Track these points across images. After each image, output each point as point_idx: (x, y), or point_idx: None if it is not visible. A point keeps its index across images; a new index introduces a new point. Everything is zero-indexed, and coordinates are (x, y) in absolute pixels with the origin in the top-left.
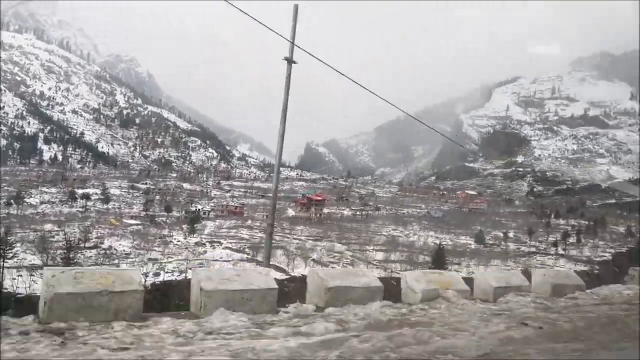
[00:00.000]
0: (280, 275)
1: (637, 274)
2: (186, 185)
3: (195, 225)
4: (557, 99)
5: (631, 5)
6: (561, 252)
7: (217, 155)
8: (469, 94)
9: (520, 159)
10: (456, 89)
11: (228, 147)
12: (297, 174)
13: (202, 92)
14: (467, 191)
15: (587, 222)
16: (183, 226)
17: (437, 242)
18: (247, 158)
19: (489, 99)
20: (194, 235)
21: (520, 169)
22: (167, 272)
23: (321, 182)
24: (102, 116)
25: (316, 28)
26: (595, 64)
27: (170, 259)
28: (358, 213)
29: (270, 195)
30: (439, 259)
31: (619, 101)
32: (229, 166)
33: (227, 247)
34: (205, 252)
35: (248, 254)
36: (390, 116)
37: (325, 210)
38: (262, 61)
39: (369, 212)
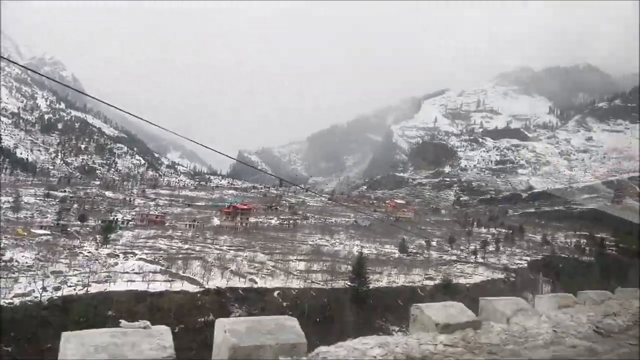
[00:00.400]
0: (194, 288)
1: (419, 312)
2: (109, 194)
3: (109, 235)
4: (482, 111)
5: (549, 24)
6: (480, 260)
7: (145, 163)
8: (399, 105)
9: (447, 169)
10: (387, 100)
11: (157, 155)
12: (228, 183)
13: (133, 98)
14: (395, 200)
15: (506, 231)
16: (97, 236)
17: (360, 251)
18: (176, 166)
19: (418, 110)
20: (108, 246)
21: (448, 179)
22: (70, 286)
23: (252, 190)
24: (21, 121)
25: (246, 35)
26: (517, 79)
27: (75, 272)
28: (285, 222)
29: (198, 204)
30: (359, 268)
31: (538, 115)
32: (157, 174)
33: (141, 259)
34: (116, 263)
35: (163, 265)
36: (323, 125)
37: (253, 220)
38: (194, 65)
39: (297, 221)
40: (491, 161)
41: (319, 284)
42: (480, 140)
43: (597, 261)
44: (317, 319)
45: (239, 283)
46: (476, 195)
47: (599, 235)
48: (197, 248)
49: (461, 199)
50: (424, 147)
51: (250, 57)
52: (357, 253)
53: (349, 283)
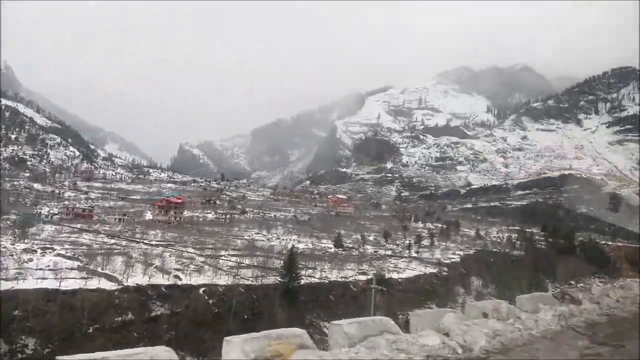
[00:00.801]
0: (111, 286)
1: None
2: (37, 186)
3: (28, 230)
4: (424, 109)
5: (488, 26)
6: (414, 254)
7: (79, 155)
8: (343, 101)
9: (389, 165)
10: (332, 96)
11: (93, 147)
12: (168, 176)
13: (69, 88)
14: (337, 195)
15: (442, 226)
16: (15, 230)
17: (292, 246)
18: (113, 158)
19: (362, 106)
20: (25, 241)
21: (389, 175)
22: None
23: (192, 184)
24: None
25: (197, 26)
26: (457, 78)
27: None
28: (222, 217)
29: (133, 197)
30: (290, 264)
31: (477, 113)
32: (92, 166)
33: (59, 254)
34: (31, 259)
35: (82, 261)
36: (268, 119)
37: (188, 214)
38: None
39: (234, 215)
40: (432, 158)
41: (248, 280)
42: (422, 137)
43: (526, 255)
44: (245, 316)
45: (162, 280)
46: (417, 191)
47: (529, 230)
48: (124, 243)
49: (402, 194)
50: (367, 142)
51: (195, 50)
52: (291, 248)
53: (279, 279)
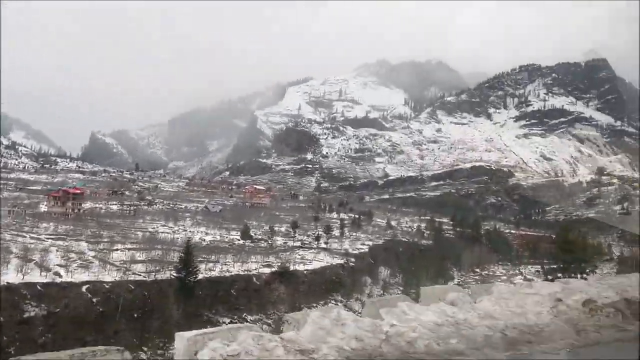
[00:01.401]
0: None
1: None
2: None
3: None
4: (344, 101)
5: (406, 21)
6: (324, 245)
7: None
8: (264, 91)
9: (309, 156)
10: (252, 85)
11: None
12: (77, 166)
13: None
14: (255, 186)
15: (355, 216)
16: None
17: (197, 238)
18: (17, 147)
19: (282, 97)
20: None
21: (310, 166)
22: None
23: (103, 174)
24: None
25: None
26: (376, 71)
27: None
28: (127, 208)
29: (33, 188)
30: (187, 257)
31: (395, 106)
32: None
33: None
34: None
35: None
36: (186, 108)
37: (89, 205)
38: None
39: (142, 206)
40: (351, 149)
41: (140, 275)
42: (342, 128)
43: (434, 244)
44: (135, 315)
45: (39, 277)
46: (336, 182)
47: (440, 220)
48: (8, 237)
49: (322, 185)
50: (287, 133)
51: (110, 33)
52: (201, 240)
53: (174, 274)
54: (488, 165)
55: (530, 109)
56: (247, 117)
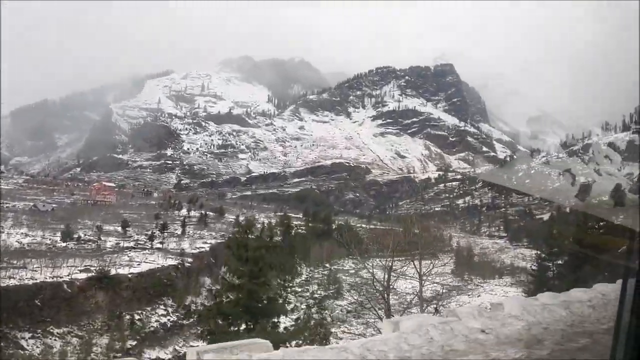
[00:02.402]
0: None
1: None
2: None
3: None
4: (206, 96)
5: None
6: (159, 245)
7: None
8: (120, 83)
9: (169, 152)
10: (107, 77)
11: None
12: None
13: None
14: (104, 183)
15: (203, 213)
16: None
17: (14, 240)
18: None
19: (141, 90)
20: None
21: (170, 162)
22: None
23: None
24: None
25: None
26: (239, 67)
27: None
28: None
29: None
30: None
31: (258, 103)
32: None
33: None
34: None
35: None
36: (31, 99)
37: None
38: None
39: None
40: (214, 145)
41: None
42: (204, 124)
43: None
44: None
45: None
46: (198, 179)
47: (295, 216)
48: None
49: (182, 182)
50: (146, 128)
51: None
52: (17, 243)
53: None
54: (347, 162)
55: (386, 109)
56: (101, 110)
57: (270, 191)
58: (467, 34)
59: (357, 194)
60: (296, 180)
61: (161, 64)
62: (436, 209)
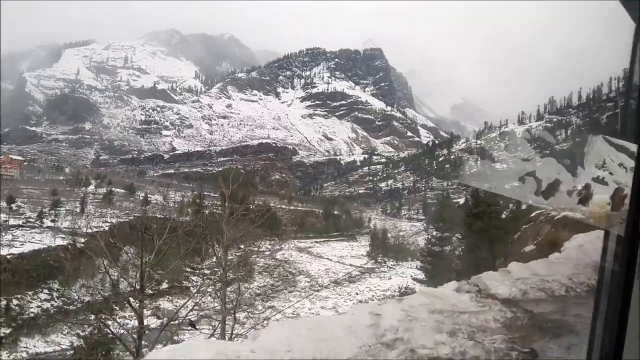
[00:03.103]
0: None
1: None
2: None
3: None
4: (130, 68)
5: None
6: (50, 224)
7: None
8: (35, 50)
9: (88, 125)
10: (20, 44)
11: None
12: None
13: None
14: (11, 156)
15: (110, 190)
16: None
17: None
18: None
19: (58, 59)
20: None
21: (88, 136)
22: None
23: None
24: None
25: None
26: (166, 41)
27: None
28: None
29: None
30: None
31: (185, 78)
32: None
33: None
34: None
35: None
36: None
37: None
38: None
39: None
40: (136, 120)
41: None
42: (126, 98)
43: (196, 220)
44: None
45: None
46: (118, 155)
47: (215, 195)
48: None
49: (101, 157)
50: (63, 100)
51: None
52: None
53: None
54: (274, 143)
55: (315, 90)
56: (13, 79)
57: (194, 170)
58: (396, 21)
59: (284, 175)
60: (222, 159)
61: (81, 32)
62: (360, 191)
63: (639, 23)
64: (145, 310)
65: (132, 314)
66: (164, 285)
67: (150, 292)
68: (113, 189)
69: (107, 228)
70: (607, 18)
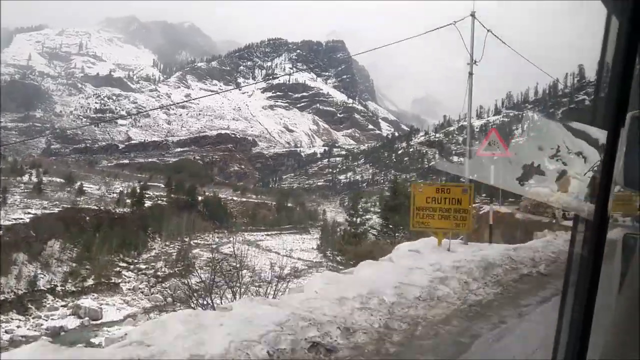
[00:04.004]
0: None
1: None
2: None
3: None
4: (85, 55)
5: None
6: None
7: None
8: None
9: (39, 113)
10: None
11: None
12: None
13: None
14: None
15: (40, 180)
16: None
17: None
18: None
19: (8, 44)
20: None
21: (39, 125)
22: None
23: None
24: None
25: None
26: (123, 28)
27: None
28: None
29: None
30: None
31: (142, 67)
32: None
33: None
34: None
35: None
36: None
37: None
38: None
39: None
40: (90, 109)
41: None
42: (80, 85)
43: (134, 212)
44: None
45: None
46: (71, 144)
47: (155, 185)
48: None
49: (52, 147)
50: (12, 86)
51: None
52: None
53: None
54: (234, 134)
55: (276, 81)
56: None
57: (150, 160)
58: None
59: (242, 166)
60: (179, 149)
61: (33, 17)
62: (319, 183)
63: (609, 15)
64: (65, 309)
65: (50, 313)
66: (89, 282)
67: (73, 289)
68: (51, 178)
69: (27, 220)
70: (570, 14)
